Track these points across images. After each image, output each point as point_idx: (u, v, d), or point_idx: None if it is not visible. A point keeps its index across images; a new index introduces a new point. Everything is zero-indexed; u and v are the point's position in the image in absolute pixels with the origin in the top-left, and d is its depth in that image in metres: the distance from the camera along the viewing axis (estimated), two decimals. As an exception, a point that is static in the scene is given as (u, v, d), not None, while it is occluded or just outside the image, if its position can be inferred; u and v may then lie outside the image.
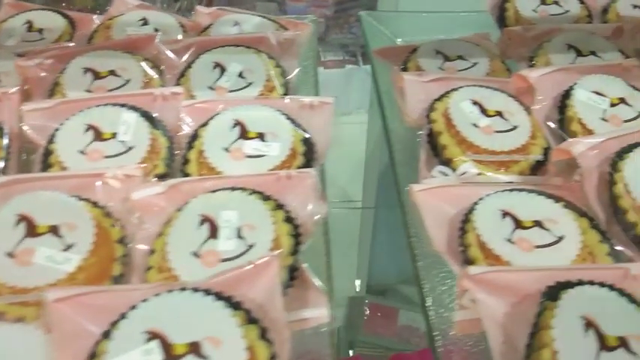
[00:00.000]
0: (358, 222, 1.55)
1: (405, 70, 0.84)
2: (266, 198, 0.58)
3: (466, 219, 0.60)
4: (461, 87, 0.74)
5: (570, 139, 0.64)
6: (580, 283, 0.49)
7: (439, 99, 0.73)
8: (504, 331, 0.49)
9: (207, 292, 0.47)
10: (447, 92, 0.74)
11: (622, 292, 0.49)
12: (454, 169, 0.67)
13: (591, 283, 0.49)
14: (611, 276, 0.52)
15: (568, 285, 0.49)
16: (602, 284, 0.49)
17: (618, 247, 0.60)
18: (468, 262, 0.57)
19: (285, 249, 0.55)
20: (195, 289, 0.47)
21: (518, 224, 0.59)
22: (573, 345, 0.46)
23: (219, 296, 0.47)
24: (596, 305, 0.48)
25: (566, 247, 0.57)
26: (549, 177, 0.67)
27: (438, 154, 0.69)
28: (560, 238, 0.58)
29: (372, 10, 1.14)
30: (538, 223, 0.59)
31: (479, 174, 0.67)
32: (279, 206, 0.58)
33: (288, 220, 0.57)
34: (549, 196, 0.62)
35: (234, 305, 0.47)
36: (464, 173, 0.66)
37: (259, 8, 2.38)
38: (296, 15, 2.43)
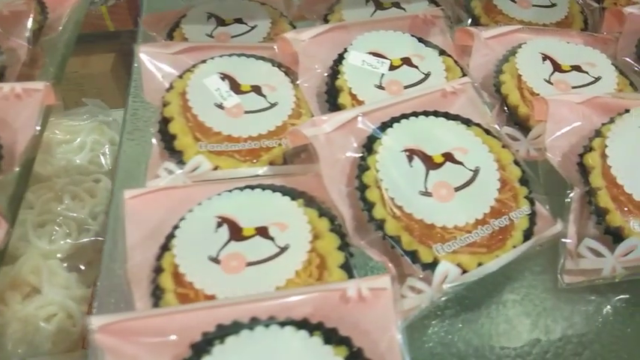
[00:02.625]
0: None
1: (171, 40, 0.69)
2: None
3: (172, 234, 0.46)
4: (212, 58, 0.60)
5: (314, 118, 0.50)
6: (251, 323, 0.36)
7: (182, 75, 0.59)
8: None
9: None
10: (194, 65, 0.59)
11: (317, 328, 0.37)
12: (185, 164, 0.53)
13: (269, 321, 0.36)
14: (322, 301, 0.39)
15: (232, 329, 0.35)
16: (285, 322, 0.36)
17: (369, 252, 0.47)
18: (156, 294, 0.43)
19: None
20: None
21: (235, 235, 0.45)
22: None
23: None
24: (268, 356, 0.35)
25: (287, 261, 0.44)
26: (311, 165, 0.54)
27: (169, 146, 0.54)
28: (284, 249, 0.45)
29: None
30: (261, 231, 0.46)
31: (215, 168, 0.53)
32: None
33: None
34: (288, 192, 0.49)
35: None
36: (195, 169, 0.53)
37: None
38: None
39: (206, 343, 0.34)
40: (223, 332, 0.35)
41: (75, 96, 1.39)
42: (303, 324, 0.37)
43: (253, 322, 0.36)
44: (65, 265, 0.99)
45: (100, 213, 1.07)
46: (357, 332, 0.39)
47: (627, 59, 0.67)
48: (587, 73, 0.62)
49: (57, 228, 1.01)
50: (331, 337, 0.37)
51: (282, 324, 0.36)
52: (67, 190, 1.08)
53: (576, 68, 0.62)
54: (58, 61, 0.68)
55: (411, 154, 0.49)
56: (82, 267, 0.99)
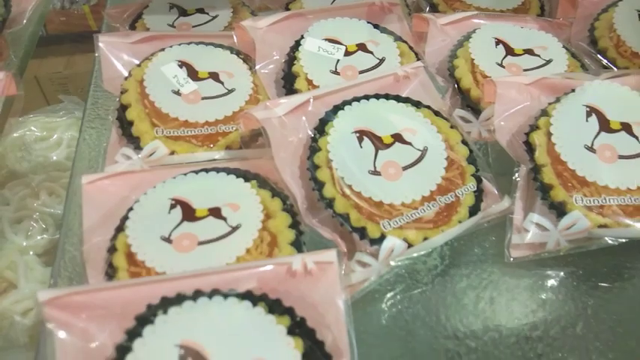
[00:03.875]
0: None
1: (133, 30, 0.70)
2: None
3: (126, 216, 0.47)
4: (170, 46, 0.61)
5: (266, 102, 0.51)
6: (194, 295, 0.37)
7: (140, 63, 0.60)
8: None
9: None
10: (153, 54, 0.60)
11: (261, 299, 0.38)
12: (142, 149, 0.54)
13: (213, 293, 0.37)
14: (268, 275, 0.40)
15: (176, 301, 0.37)
16: (228, 294, 0.37)
17: (320, 231, 0.49)
18: (109, 273, 0.44)
19: None
20: None
21: (188, 216, 0.47)
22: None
23: None
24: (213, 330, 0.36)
25: (238, 239, 0.45)
26: (267, 149, 0.55)
27: (126, 133, 0.55)
28: (235, 228, 0.46)
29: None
30: (214, 211, 0.47)
31: (171, 153, 0.54)
32: None
33: None
34: (242, 174, 0.50)
35: None
36: (151, 154, 0.54)
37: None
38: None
39: (150, 313, 0.36)
40: (167, 304, 0.36)
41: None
42: (246, 295, 0.38)
43: (197, 294, 0.37)
44: (42, 260, 0.99)
45: (76, 208, 1.08)
46: (304, 305, 0.40)
47: (581, 43, 0.69)
48: (539, 56, 0.63)
49: (33, 224, 1.01)
50: (275, 307, 0.38)
51: (226, 295, 0.37)
52: (44, 187, 1.08)
53: (528, 52, 0.64)
54: (21, 54, 0.68)
55: (362, 135, 0.50)
56: (59, 262, 1.00)
